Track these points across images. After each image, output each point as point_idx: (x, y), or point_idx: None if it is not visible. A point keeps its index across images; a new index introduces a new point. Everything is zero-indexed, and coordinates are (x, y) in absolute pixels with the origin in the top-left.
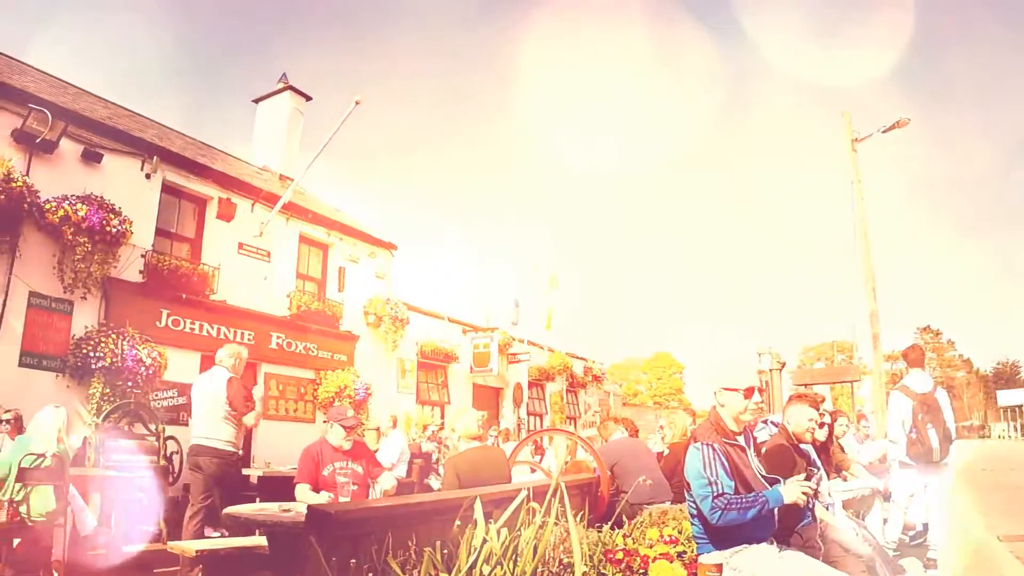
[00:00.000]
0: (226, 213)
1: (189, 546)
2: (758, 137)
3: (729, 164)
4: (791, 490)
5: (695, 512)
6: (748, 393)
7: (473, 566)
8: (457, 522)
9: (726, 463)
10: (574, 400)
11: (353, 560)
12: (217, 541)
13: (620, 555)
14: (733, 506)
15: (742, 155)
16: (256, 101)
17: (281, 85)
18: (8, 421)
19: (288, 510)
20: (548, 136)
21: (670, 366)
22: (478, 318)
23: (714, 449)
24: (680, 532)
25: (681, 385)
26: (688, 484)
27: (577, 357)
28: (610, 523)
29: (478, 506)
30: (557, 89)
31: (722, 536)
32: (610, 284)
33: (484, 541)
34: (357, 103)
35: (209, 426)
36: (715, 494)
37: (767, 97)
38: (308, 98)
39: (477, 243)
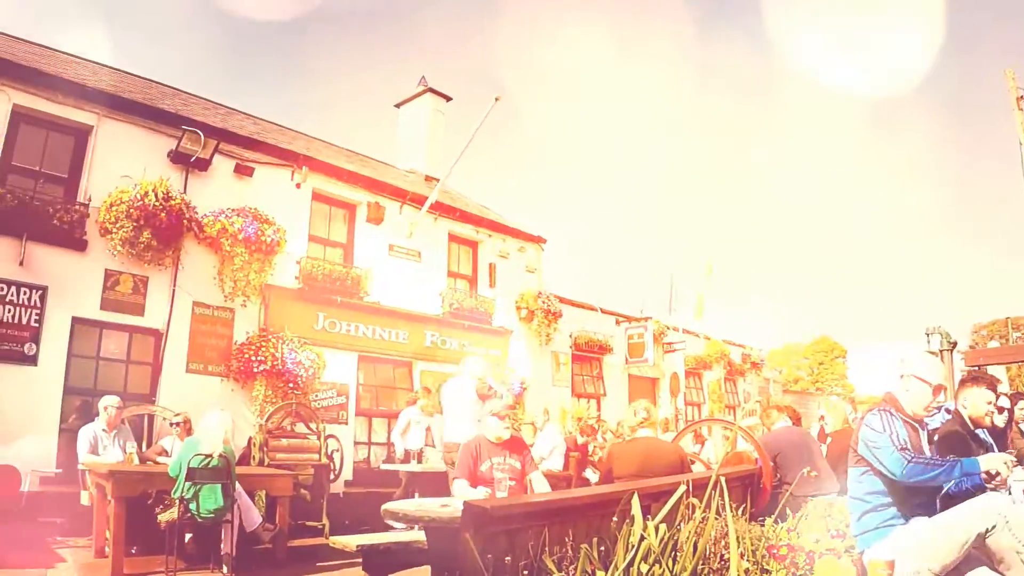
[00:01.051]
0: (375, 216)
1: (350, 541)
2: (927, 104)
3: (899, 133)
4: (993, 459)
5: (860, 496)
6: (937, 391)
7: (631, 564)
8: (614, 517)
9: (904, 430)
10: (732, 389)
11: (509, 557)
12: (378, 536)
13: (784, 550)
14: (920, 460)
15: (911, 122)
16: (398, 106)
17: (421, 88)
18: (179, 424)
19: (447, 505)
20: (698, 113)
21: (832, 350)
22: (632, 308)
23: (891, 414)
24: (847, 526)
25: (844, 370)
26: (860, 460)
27: (735, 344)
28: (773, 517)
29: (635, 501)
30: (712, 63)
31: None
32: (768, 267)
33: (642, 538)
34: (497, 100)
35: (461, 425)
36: (899, 446)
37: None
38: (448, 99)
39: (629, 232)
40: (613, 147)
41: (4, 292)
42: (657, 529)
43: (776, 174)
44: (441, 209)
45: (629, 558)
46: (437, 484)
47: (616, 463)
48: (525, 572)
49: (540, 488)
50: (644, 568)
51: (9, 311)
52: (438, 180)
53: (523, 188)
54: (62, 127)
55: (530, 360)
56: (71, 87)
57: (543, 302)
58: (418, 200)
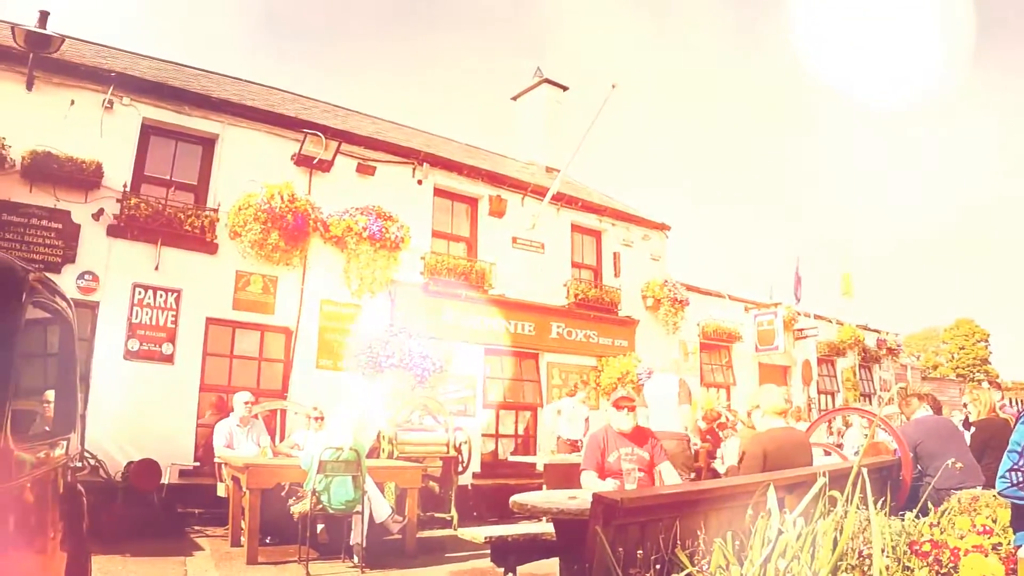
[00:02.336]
0: (497, 210)
1: (478, 532)
2: None
3: None
4: None
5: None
6: None
7: (767, 559)
8: (749, 510)
9: None
10: (867, 376)
11: (640, 550)
12: (505, 528)
13: (927, 547)
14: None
15: None
16: (514, 98)
17: (537, 79)
18: (316, 418)
19: (575, 498)
20: (830, 95)
21: (973, 334)
22: (761, 294)
23: None
24: (995, 521)
25: (987, 354)
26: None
27: (869, 329)
28: (914, 511)
29: (771, 493)
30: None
31: None
32: (905, 248)
33: (779, 532)
34: (614, 87)
35: (665, 420)
36: (1013, 466)
37: None
38: (565, 88)
39: (756, 217)
40: (739, 132)
41: (142, 296)
42: (795, 523)
43: (910, 153)
44: (563, 199)
45: (766, 553)
46: None
47: (751, 455)
48: (657, 566)
49: (670, 479)
50: (782, 564)
51: (147, 313)
52: (559, 171)
53: (646, 176)
54: (190, 137)
55: (657, 349)
56: (197, 98)
57: (669, 290)
58: (539, 191)
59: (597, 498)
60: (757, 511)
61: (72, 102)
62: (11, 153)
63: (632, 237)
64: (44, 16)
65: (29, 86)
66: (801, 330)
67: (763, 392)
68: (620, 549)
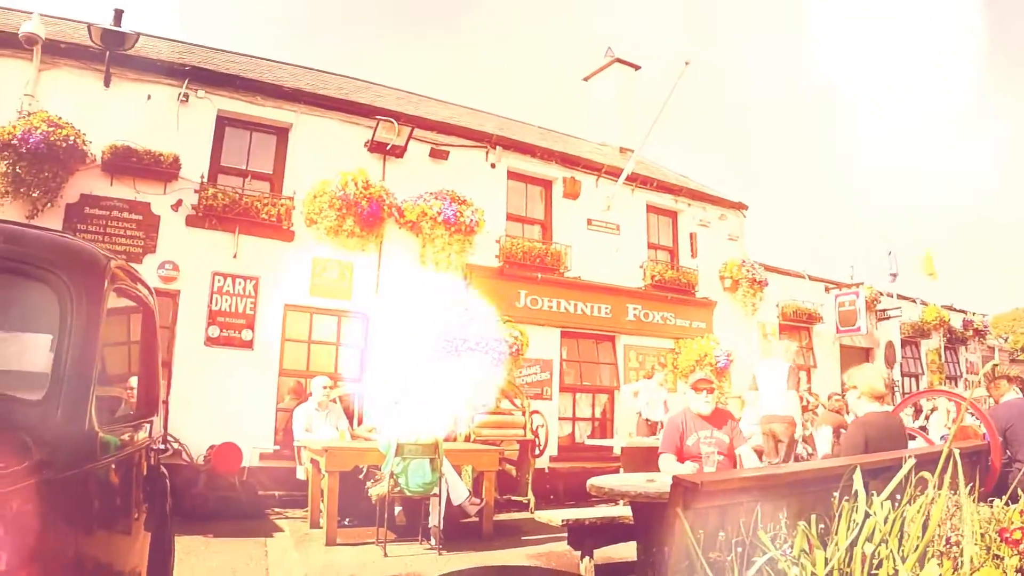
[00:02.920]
0: (571, 191)
1: (555, 515)
2: None
3: None
4: None
5: None
6: None
7: (854, 543)
8: (835, 493)
9: None
10: (953, 358)
11: (722, 533)
12: (583, 511)
13: (1017, 535)
14: None
15: None
16: (586, 79)
17: (608, 59)
18: (394, 402)
19: (653, 480)
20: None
21: None
22: (841, 274)
23: None
24: None
25: None
26: None
27: (955, 310)
28: (1004, 498)
29: (858, 476)
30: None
31: None
32: (991, 226)
33: (867, 515)
34: (687, 64)
35: (777, 402)
36: None
37: None
38: (636, 68)
39: (836, 193)
40: (815, 107)
41: (221, 283)
42: (882, 507)
43: (995, 126)
44: (638, 180)
45: (852, 537)
46: None
47: (852, 443)
48: (738, 549)
49: (750, 463)
50: (868, 548)
51: (226, 301)
52: (632, 151)
53: (722, 155)
54: (264, 127)
55: (736, 331)
56: (270, 89)
57: (747, 271)
58: (613, 172)
59: (677, 481)
60: (842, 495)
61: (149, 97)
62: (92, 148)
63: (709, 217)
64: (119, 14)
65: (107, 83)
66: (884, 311)
67: (860, 373)
68: (700, 532)
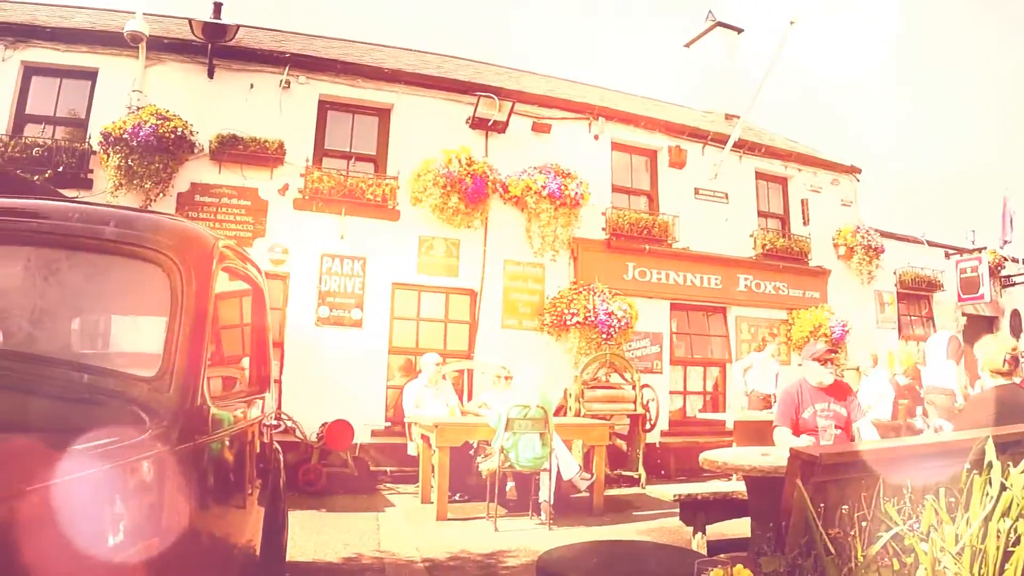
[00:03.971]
0: (677, 161)
1: (666, 491)
2: None
3: None
4: None
5: None
6: None
7: (988, 517)
8: (966, 465)
9: None
10: None
11: (844, 506)
12: (695, 486)
13: None
14: None
15: None
16: (687, 45)
17: (710, 23)
18: (504, 377)
19: (767, 454)
20: None
21: None
22: (962, 238)
23: None
24: None
25: None
26: None
27: None
28: None
29: (990, 447)
30: None
31: None
32: None
33: (1003, 488)
34: (792, 24)
35: (935, 373)
36: None
37: None
38: (739, 31)
39: (954, 152)
40: (928, 62)
41: (330, 264)
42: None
43: None
44: (745, 147)
45: (986, 511)
46: None
47: (970, 414)
48: (862, 523)
49: (868, 437)
50: (1003, 524)
51: (335, 281)
52: (738, 117)
53: (833, 116)
54: (365, 109)
55: (851, 301)
56: (370, 71)
57: (862, 237)
58: (720, 140)
59: (795, 453)
60: (972, 469)
61: (251, 85)
62: (199, 138)
63: (820, 182)
64: (218, 7)
65: (210, 74)
66: (1008, 277)
67: (981, 346)
68: (821, 506)
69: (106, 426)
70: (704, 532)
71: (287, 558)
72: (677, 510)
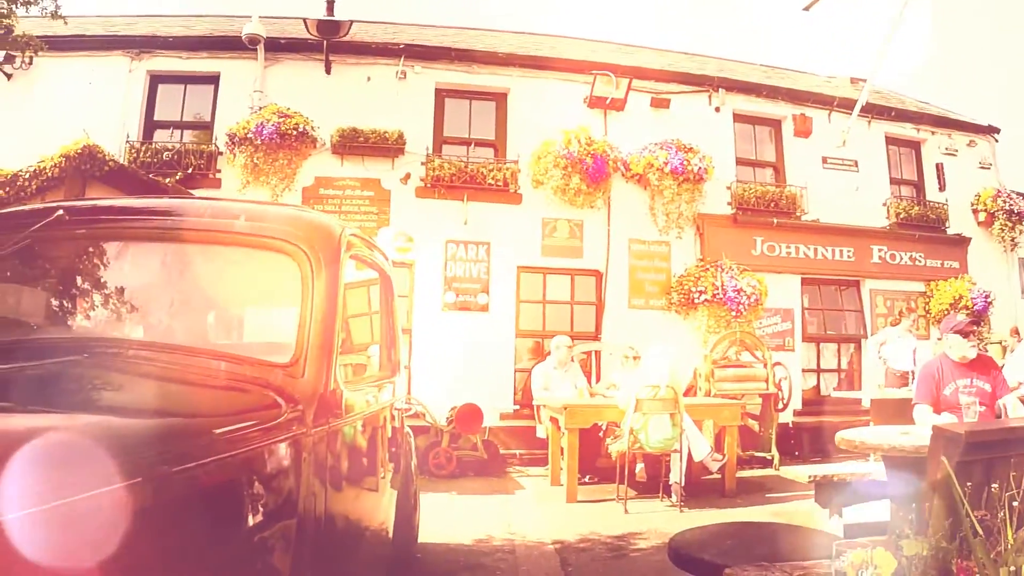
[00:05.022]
0: (803, 129)
1: (801, 472)
2: None
3: None
4: None
5: None
6: None
7: None
8: None
9: None
10: None
11: (995, 485)
12: (831, 467)
13: None
14: None
15: None
16: (806, 8)
17: None
18: (632, 357)
19: (907, 433)
20: None
21: None
22: None
23: None
24: None
25: None
26: None
27: None
28: None
29: None
30: None
31: None
32: None
33: None
34: None
35: None
36: None
37: None
38: None
39: None
40: None
41: (454, 250)
42: None
43: None
44: (873, 111)
45: None
46: None
47: None
48: (1013, 503)
49: (1015, 414)
50: None
51: (460, 267)
52: (864, 80)
53: (966, 74)
54: (482, 94)
55: (993, 270)
56: (485, 56)
57: (1003, 201)
58: (846, 105)
59: (938, 431)
60: None
61: (368, 78)
62: (320, 133)
63: (956, 144)
64: (331, 4)
65: (327, 70)
66: None
67: None
68: (968, 486)
69: (244, 411)
70: (841, 515)
71: (419, 540)
72: (812, 492)
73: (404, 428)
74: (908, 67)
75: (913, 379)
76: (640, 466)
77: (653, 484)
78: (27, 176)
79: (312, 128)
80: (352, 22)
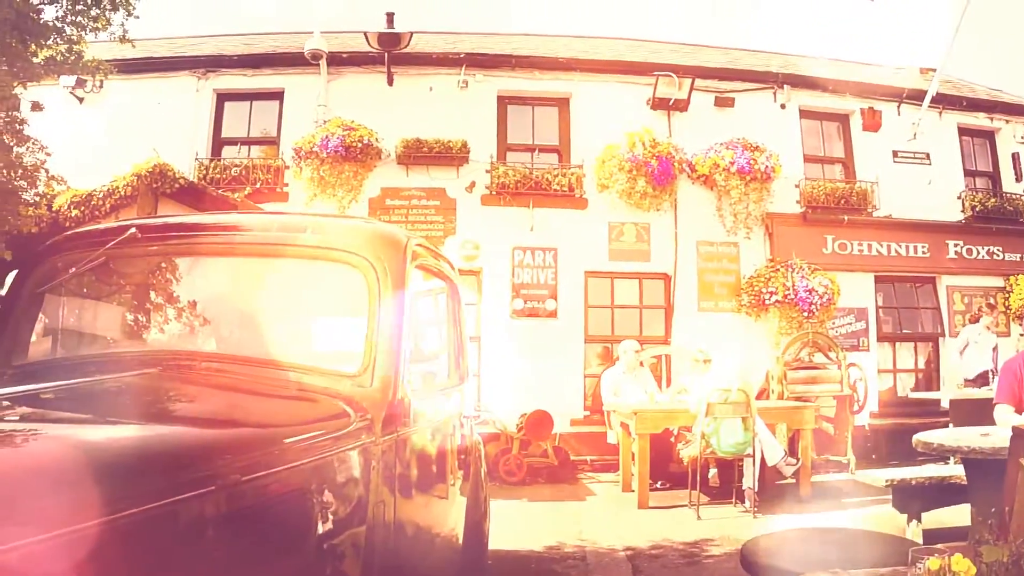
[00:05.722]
0: (871, 123)
1: (878, 476)
2: None
3: None
4: None
5: None
6: None
7: None
8: None
9: None
10: None
11: None
12: (908, 470)
13: None
14: None
15: None
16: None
17: None
18: (703, 361)
19: (987, 435)
20: None
21: None
22: None
23: None
24: None
25: None
26: None
27: None
28: None
29: None
30: None
31: None
32: None
33: None
34: None
35: None
36: None
37: None
38: None
39: None
40: None
41: (521, 257)
42: None
43: None
44: (944, 102)
45: None
46: None
47: None
48: None
49: None
50: None
51: (527, 273)
52: (934, 70)
53: None
54: (544, 100)
55: None
56: (546, 62)
57: None
58: (916, 97)
59: (1019, 432)
60: None
61: (431, 88)
62: (385, 144)
63: None
64: (390, 17)
65: (389, 81)
66: None
67: None
68: None
69: (313, 421)
70: (919, 520)
71: (489, 547)
72: (889, 496)
73: (474, 435)
74: (978, 54)
75: (994, 378)
76: (713, 471)
77: (726, 490)
78: (101, 195)
79: (376, 140)
80: (412, 33)
